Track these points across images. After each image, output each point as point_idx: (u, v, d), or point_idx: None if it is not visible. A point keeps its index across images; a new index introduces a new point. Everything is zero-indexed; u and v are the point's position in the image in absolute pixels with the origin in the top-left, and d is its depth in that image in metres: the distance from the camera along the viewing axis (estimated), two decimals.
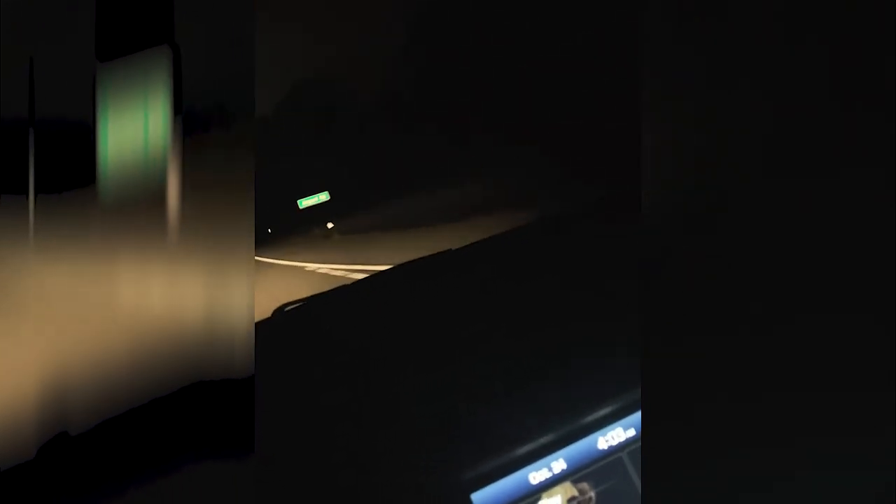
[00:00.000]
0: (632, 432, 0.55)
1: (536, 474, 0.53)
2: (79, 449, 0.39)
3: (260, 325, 0.66)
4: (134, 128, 0.41)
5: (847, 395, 0.32)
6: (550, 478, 0.53)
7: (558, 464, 0.54)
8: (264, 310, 0.70)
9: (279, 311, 0.72)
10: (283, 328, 0.70)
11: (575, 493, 0.53)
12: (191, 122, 0.42)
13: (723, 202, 0.35)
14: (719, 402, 0.34)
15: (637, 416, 0.55)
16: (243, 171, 0.42)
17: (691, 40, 0.35)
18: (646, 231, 0.36)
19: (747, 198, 0.34)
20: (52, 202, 0.40)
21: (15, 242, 0.39)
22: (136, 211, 0.41)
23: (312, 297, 0.74)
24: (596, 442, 0.55)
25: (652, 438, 0.35)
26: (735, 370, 0.34)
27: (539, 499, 0.53)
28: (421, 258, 0.73)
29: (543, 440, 0.54)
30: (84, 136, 0.40)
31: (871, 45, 0.32)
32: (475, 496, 0.52)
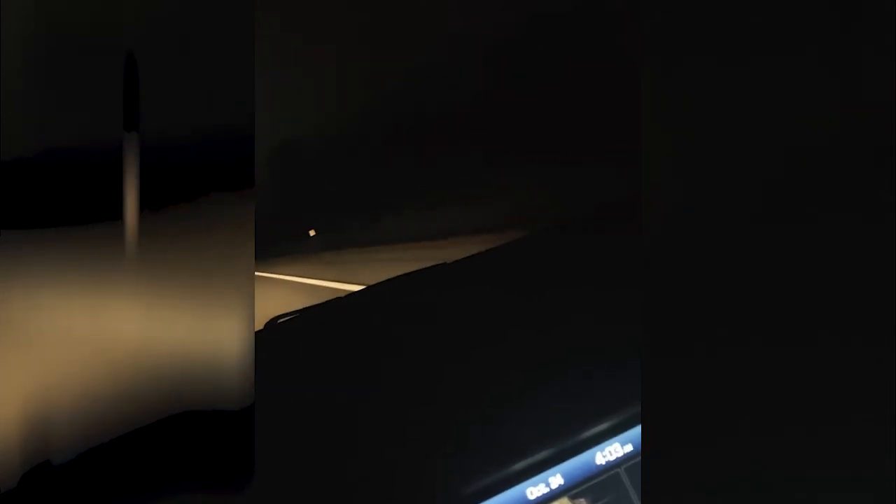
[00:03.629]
0: (629, 448, 0.54)
1: (534, 489, 0.53)
2: (62, 478, 0.38)
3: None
4: None
5: (851, 408, 0.32)
6: (548, 493, 0.53)
7: (556, 479, 0.53)
8: (257, 322, 0.70)
9: (272, 323, 0.71)
10: (277, 341, 0.69)
11: None
12: (189, 144, 0.41)
13: (724, 210, 0.34)
14: (720, 415, 0.34)
15: (635, 432, 0.55)
16: (242, 202, 0.41)
17: (693, 45, 0.35)
18: (646, 242, 0.35)
19: (749, 205, 0.34)
20: (37, 232, 0.39)
21: (0, 272, 0.38)
22: (128, 237, 0.40)
23: (306, 309, 0.73)
24: (594, 457, 0.54)
25: (652, 453, 0.35)
26: (737, 383, 0.33)
27: None
28: (416, 271, 0.72)
29: (541, 455, 0.53)
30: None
31: (873, 46, 0.31)
32: None
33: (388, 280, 0.73)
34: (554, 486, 0.53)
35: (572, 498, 0.53)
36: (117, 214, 0.40)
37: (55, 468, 0.38)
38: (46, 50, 0.39)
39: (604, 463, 0.54)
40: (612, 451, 0.54)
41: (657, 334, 0.35)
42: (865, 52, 0.32)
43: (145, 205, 0.40)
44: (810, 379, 0.32)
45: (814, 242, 0.33)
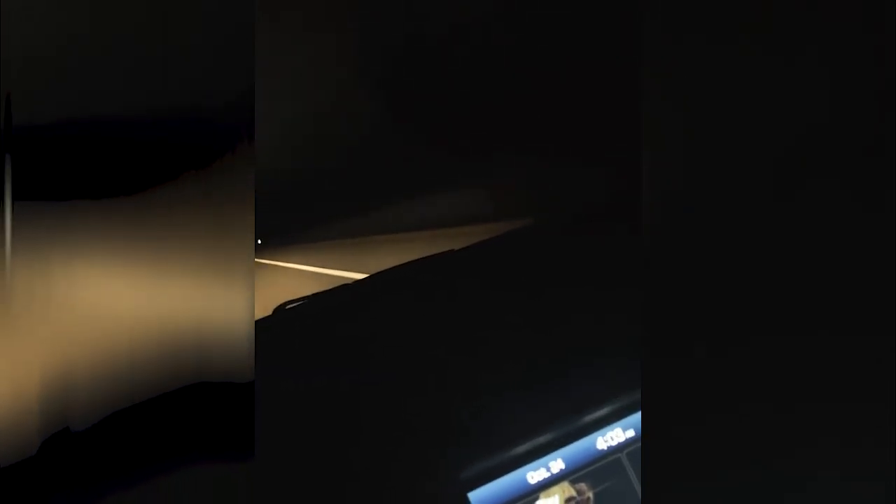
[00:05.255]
0: (631, 433, 0.55)
1: (535, 474, 0.53)
2: (81, 445, 0.40)
3: (260, 323, 0.66)
4: None
5: (848, 399, 0.32)
6: (549, 477, 0.53)
7: (557, 464, 0.54)
8: (263, 309, 0.70)
9: (280, 310, 0.72)
10: (284, 326, 0.70)
11: (573, 493, 0.53)
12: (191, 132, 0.42)
13: (724, 205, 0.35)
14: (720, 405, 0.34)
15: (637, 417, 0.55)
16: (243, 179, 0.42)
17: (692, 46, 0.35)
18: (646, 233, 0.36)
19: (748, 201, 0.34)
20: (54, 206, 0.40)
21: (19, 246, 0.39)
22: (138, 214, 0.41)
23: (313, 295, 0.74)
24: (595, 442, 0.55)
25: (652, 441, 0.35)
26: (735, 373, 0.34)
27: (537, 498, 0.53)
28: (422, 258, 0.73)
29: (542, 440, 0.54)
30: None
31: (874, 47, 0.32)
32: (473, 495, 0.52)
33: (395, 267, 0.73)
34: (555, 470, 0.53)
35: (573, 482, 0.54)
36: (131, 190, 0.41)
37: (74, 435, 0.39)
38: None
39: (605, 448, 0.55)
40: (614, 435, 0.55)
41: (657, 323, 0.35)
42: (864, 47, 0.32)
43: (156, 181, 0.41)
44: (808, 369, 0.33)
45: (814, 241, 0.33)
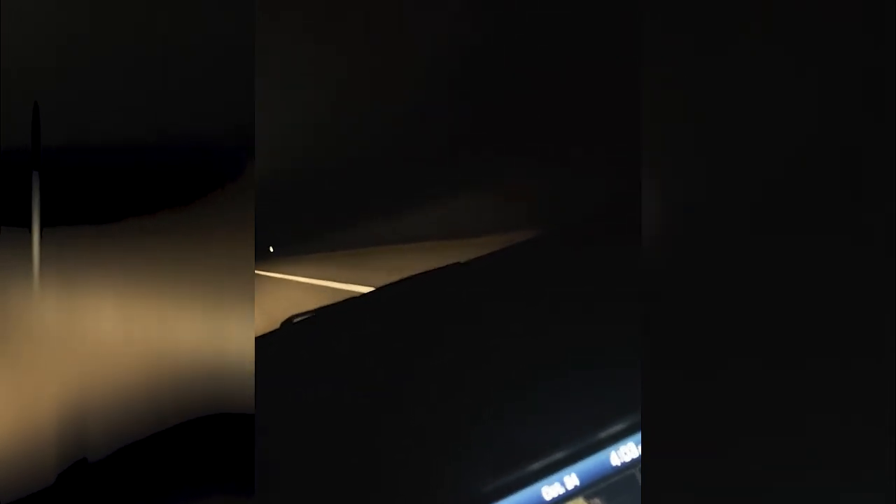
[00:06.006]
0: None
1: (549, 489, 0.53)
2: (98, 475, 0.39)
3: (266, 337, 0.66)
4: None
5: (848, 411, 0.32)
6: (563, 493, 0.53)
7: (571, 479, 0.53)
8: (270, 323, 0.70)
9: (287, 323, 0.72)
10: (290, 340, 0.69)
11: None
12: (191, 144, 0.41)
13: (724, 215, 0.34)
14: (721, 417, 0.34)
15: None
16: (244, 191, 0.42)
17: (693, 46, 0.35)
18: (646, 246, 0.35)
19: (749, 210, 0.34)
20: (64, 234, 0.40)
21: (33, 275, 0.39)
22: (145, 242, 0.41)
23: (319, 309, 0.73)
24: (609, 457, 0.54)
25: (652, 457, 0.35)
26: (737, 390, 0.33)
27: None
28: (429, 271, 0.72)
29: (556, 455, 0.53)
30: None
31: (874, 47, 0.31)
32: None
33: (402, 280, 0.73)
34: (569, 486, 0.53)
35: (587, 498, 0.53)
36: (135, 214, 0.41)
37: (90, 466, 0.39)
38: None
39: (619, 464, 0.54)
40: (628, 451, 0.54)
41: (657, 340, 0.35)
42: (865, 48, 0.32)
43: (159, 206, 0.41)
44: (809, 385, 0.32)
45: (816, 252, 0.32)
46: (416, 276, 0.73)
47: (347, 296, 0.78)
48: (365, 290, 0.78)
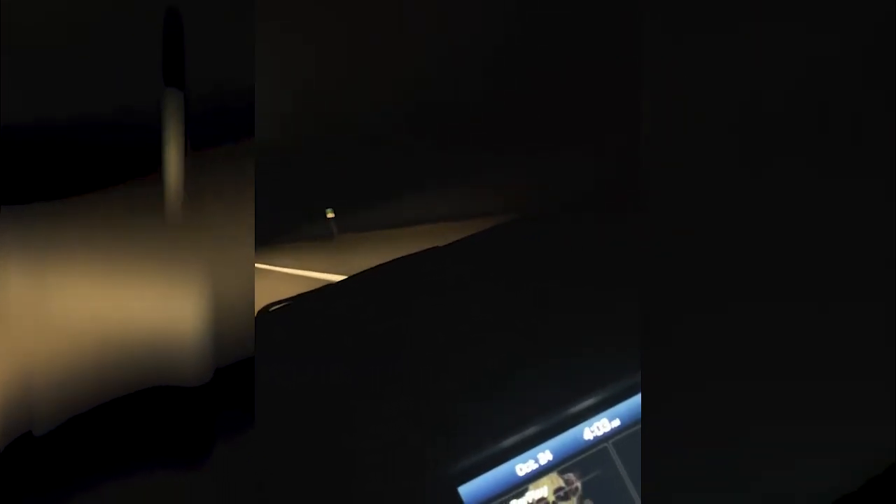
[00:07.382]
0: (617, 422, 0.56)
1: (523, 466, 0.54)
2: (44, 448, 0.39)
3: None
4: None
5: (843, 380, 0.32)
6: (537, 469, 0.54)
7: (545, 455, 0.54)
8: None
9: (264, 311, 0.72)
10: (269, 328, 0.69)
11: (561, 483, 0.54)
12: (191, 129, 0.41)
13: (721, 194, 0.35)
14: (718, 390, 0.34)
15: (622, 407, 0.56)
16: (244, 178, 0.42)
17: (691, 35, 0.35)
18: (645, 223, 0.36)
19: (746, 189, 0.34)
20: (27, 211, 0.40)
21: None
22: (132, 214, 0.41)
23: (298, 296, 0.74)
24: (582, 433, 0.55)
25: (651, 427, 0.35)
26: (733, 359, 0.34)
27: (526, 490, 0.53)
28: (406, 256, 0.73)
29: (529, 432, 0.54)
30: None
31: (874, 39, 0.32)
32: (462, 489, 0.52)
33: (380, 265, 0.73)
34: (543, 462, 0.54)
35: (561, 473, 0.54)
36: (97, 189, 0.41)
37: (37, 439, 0.39)
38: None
39: (592, 438, 0.55)
40: (600, 426, 0.56)
41: (655, 311, 0.35)
42: (860, 41, 0.32)
43: (136, 177, 0.41)
44: (805, 353, 0.33)
45: (813, 229, 0.33)
46: (393, 260, 0.73)
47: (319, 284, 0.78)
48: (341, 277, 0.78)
